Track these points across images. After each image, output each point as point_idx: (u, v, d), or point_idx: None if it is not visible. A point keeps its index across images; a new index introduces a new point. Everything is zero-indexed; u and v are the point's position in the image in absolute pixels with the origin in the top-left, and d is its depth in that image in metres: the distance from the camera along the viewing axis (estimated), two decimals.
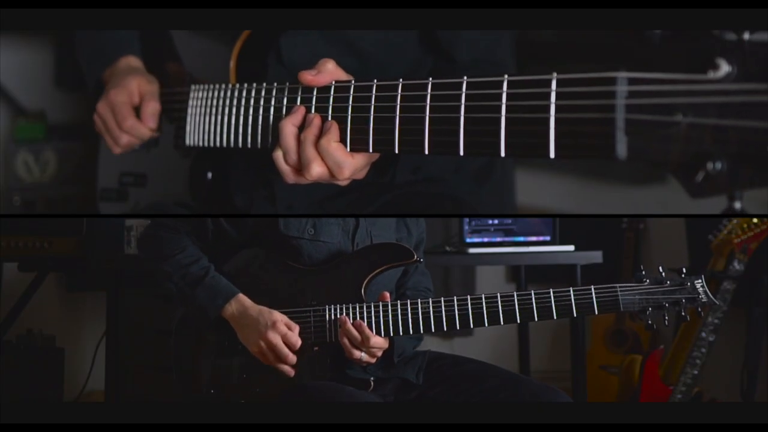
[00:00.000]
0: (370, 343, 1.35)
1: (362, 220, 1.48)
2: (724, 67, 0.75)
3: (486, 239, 2.29)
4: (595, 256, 2.21)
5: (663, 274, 1.37)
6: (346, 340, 1.36)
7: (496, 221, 2.28)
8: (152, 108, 1.47)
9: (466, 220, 2.26)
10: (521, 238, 2.30)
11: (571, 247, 2.23)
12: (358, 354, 1.37)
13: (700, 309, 1.37)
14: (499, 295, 1.36)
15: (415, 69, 1.51)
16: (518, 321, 1.36)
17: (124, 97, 1.47)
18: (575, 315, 1.35)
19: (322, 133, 1.12)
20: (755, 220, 2.25)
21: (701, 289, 1.35)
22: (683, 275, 1.37)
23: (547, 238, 2.30)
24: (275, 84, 1.25)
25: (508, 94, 0.92)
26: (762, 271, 2.30)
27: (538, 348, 3.09)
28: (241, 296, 1.40)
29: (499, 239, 2.29)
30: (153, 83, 1.50)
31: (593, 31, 1.83)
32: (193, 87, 1.44)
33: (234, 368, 1.43)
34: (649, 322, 1.35)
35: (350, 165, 1.11)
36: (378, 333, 1.37)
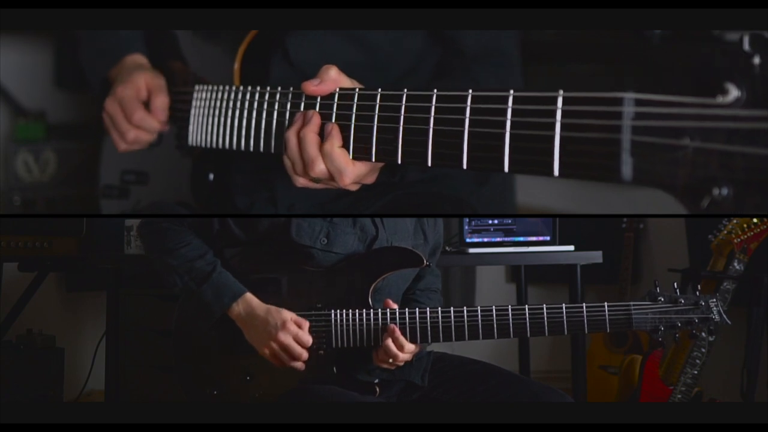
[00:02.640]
0: (405, 350, 1.34)
1: (382, 231, 1.45)
2: (733, 92, 0.73)
3: (486, 239, 2.29)
4: (595, 256, 2.20)
5: (678, 291, 1.34)
6: (384, 351, 1.35)
7: (496, 221, 2.28)
8: (162, 101, 1.47)
9: (466, 220, 2.26)
10: (521, 238, 2.30)
11: (571, 247, 2.22)
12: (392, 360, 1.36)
13: (712, 328, 1.34)
14: (510, 307, 1.34)
15: (422, 61, 1.50)
16: (528, 335, 1.34)
17: (131, 91, 1.47)
18: (586, 332, 1.32)
19: (324, 134, 1.12)
20: (755, 220, 2.25)
21: (715, 309, 1.32)
22: (698, 292, 1.34)
23: (547, 238, 2.30)
24: (279, 88, 1.24)
25: (513, 110, 0.91)
26: (762, 271, 2.30)
27: (538, 348, 3.09)
28: (248, 295, 1.38)
29: (499, 239, 2.29)
30: (160, 78, 1.50)
31: (593, 31, 1.83)
32: (196, 87, 1.44)
33: (237, 370, 1.41)
34: (660, 339, 1.33)
35: (351, 172, 1.10)
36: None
